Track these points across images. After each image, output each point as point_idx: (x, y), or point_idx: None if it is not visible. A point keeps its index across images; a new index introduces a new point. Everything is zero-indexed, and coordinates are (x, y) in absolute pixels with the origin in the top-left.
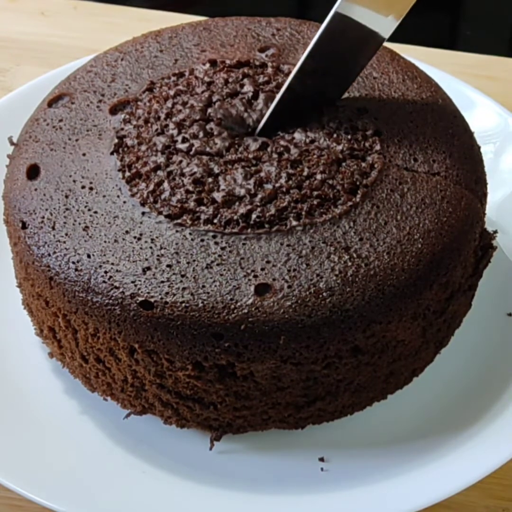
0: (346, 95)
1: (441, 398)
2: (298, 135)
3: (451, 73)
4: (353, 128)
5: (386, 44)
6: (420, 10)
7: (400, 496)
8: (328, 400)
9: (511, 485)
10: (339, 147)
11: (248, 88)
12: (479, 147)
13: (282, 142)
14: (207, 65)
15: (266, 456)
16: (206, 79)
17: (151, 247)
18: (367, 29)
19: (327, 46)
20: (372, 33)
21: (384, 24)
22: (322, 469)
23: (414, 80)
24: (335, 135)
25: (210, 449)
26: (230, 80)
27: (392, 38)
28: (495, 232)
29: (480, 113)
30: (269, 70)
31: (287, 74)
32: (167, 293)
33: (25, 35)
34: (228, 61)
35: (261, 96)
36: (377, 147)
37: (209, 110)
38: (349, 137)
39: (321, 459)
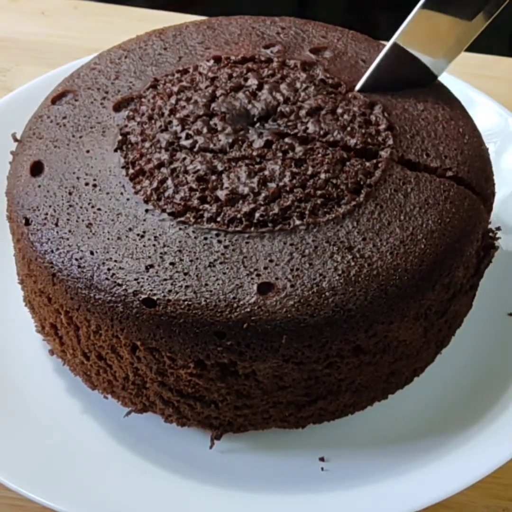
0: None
1: (441, 398)
2: (311, 127)
3: (451, 73)
4: (367, 122)
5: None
6: None
7: (400, 496)
8: (329, 400)
9: (511, 485)
10: (353, 141)
11: (252, 81)
12: (487, 148)
13: (287, 140)
14: (212, 61)
15: (266, 456)
16: (210, 75)
17: (154, 245)
18: (421, 63)
19: (383, 72)
20: (424, 68)
21: (436, 64)
22: (322, 469)
23: None
24: (349, 129)
25: (211, 447)
26: (234, 75)
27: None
28: (498, 228)
29: (480, 113)
30: (274, 64)
31: (293, 68)
32: (169, 291)
33: (25, 35)
34: (233, 58)
35: (266, 87)
36: (390, 142)
37: (213, 105)
38: (363, 131)
39: (321, 459)
